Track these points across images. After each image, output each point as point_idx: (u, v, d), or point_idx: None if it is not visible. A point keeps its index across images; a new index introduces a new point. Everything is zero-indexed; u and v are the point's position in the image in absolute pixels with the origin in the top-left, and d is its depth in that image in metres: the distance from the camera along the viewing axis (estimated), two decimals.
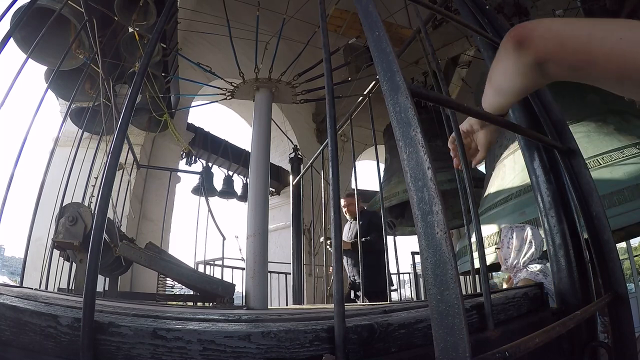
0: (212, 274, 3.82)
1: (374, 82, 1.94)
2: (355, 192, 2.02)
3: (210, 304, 1.92)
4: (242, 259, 3.67)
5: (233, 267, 4.23)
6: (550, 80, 0.57)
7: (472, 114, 0.58)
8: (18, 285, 1.28)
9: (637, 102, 0.59)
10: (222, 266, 3.86)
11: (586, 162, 0.81)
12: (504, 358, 0.38)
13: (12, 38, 1.21)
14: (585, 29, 0.50)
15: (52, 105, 4.41)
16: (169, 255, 2.20)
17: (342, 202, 3.51)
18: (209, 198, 3.57)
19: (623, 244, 6.15)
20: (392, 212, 4.11)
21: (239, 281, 3.65)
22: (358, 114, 2.08)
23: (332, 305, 0.47)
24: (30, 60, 1.49)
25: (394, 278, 5.64)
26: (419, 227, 0.40)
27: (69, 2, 1.98)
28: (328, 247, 2.72)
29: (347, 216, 3.56)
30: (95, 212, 0.52)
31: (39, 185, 1.51)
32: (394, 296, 5.64)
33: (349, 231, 3.55)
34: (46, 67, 2.41)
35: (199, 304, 2.06)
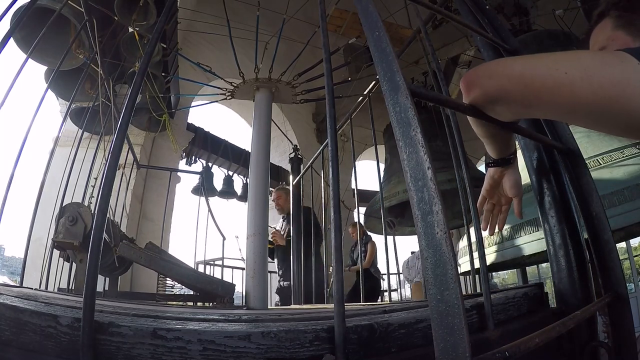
0: (212, 274, 3.83)
1: (374, 82, 1.94)
2: (356, 192, 2.01)
3: (210, 304, 1.92)
4: (242, 259, 3.67)
5: (233, 267, 4.23)
6: (508, 119, 0.59)
7: (471, 114, 0.58)
8: (18, 285, 1.28)
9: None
10: (222, 266, 3.86)
11: (586, 162, 0.81)
12: (504, 358, 0.38)
13: (12, 38, 1.21)
14: (528, 65, 0.52)
15: (52, 105, 4.42)
16: (169, 255, 2.20)
17: (273, 194, 3.44)
18: (209, 198, 3.58)
19: (623, 244, 6.16)
20: (391, 212, 4.11)
21: (239, 281, 3.65)
22: (358, 114, 2.08)
23: (332, 305, 0.47)
24: (30, 60, 1.49)
25: (394, 278, 5.66)
26: (419, 227, 0.40)
27: (69, 2, 1.98)
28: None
29: (277, 210, 3.47)
30: (95, 212, 0.52)
31: (39, 185, 1.51)
32: (394, 296, 5.64)
33: (280, 230, 3.38)
34: (46, 67, 2.41)
35: (199, 304, 2.06)
